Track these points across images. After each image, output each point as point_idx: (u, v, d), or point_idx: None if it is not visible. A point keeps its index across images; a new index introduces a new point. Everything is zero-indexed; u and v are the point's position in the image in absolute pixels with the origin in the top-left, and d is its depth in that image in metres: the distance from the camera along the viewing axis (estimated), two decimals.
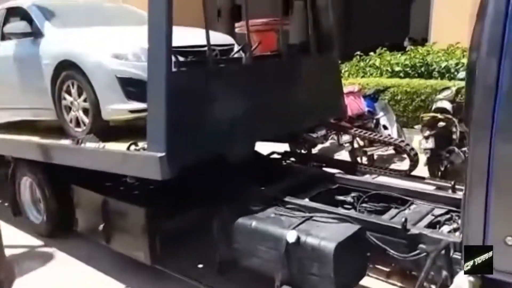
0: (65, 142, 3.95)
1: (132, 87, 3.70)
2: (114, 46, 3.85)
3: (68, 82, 4.04)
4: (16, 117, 5.18)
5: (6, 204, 5.36)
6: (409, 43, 9.35)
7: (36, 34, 4.43)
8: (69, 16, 4.86)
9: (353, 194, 3.63)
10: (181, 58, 3.49)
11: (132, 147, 3.31)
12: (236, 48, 4.29)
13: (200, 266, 3.74)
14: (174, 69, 3.10)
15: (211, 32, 3.55)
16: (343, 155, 6.13)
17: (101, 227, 3.74)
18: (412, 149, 4.46)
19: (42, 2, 5.31)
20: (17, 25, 4.55)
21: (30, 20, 4.54)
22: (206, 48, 3.42)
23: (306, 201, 3.36)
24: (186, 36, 4.05)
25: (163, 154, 2.87)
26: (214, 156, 3.28)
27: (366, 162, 5.76)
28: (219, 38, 4.32)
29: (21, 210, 4.96)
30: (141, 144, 3.28)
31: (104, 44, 3.88)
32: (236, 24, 4.71)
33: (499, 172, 2.12)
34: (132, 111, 3.73)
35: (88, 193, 3.96)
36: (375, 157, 6.19)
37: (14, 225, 4.99)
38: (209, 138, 3.21)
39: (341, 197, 3.63)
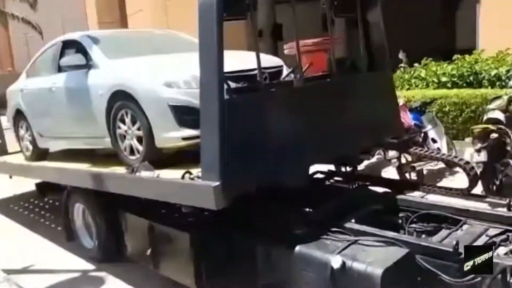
0: (120, 171, 4.07)
1: (184, 115, 3.78)
2: (166, 74, 3.96)
3: (122, 111, 4.19)
4: (72, 146, 5.43)
5: (59, 228, 5.58)
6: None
7: (90, 65, 4.65)
8: (120, 46, 5.08)
9: (401, 215, 3.56)
10: (232, 84, 3.48)
11: (187, 176, 3.36)
12: (285, 70, 4.30)
13: None
14: (226, 96, 3.11)
15: (264, 56, 3.55)
16: (391, 171, 6.04)
17: (148, 252, 3.83)
18: (468, 163, 4.26)
19: (95, 33, 5.61)
20: (72, 58, 4.77)
21: (84, 52, 4.76)
22: (256, 72, 3.41)
23: (351, 224, 3.30)
24: (235, 60, 4.06)
25: (218, 183, 2.88)
26: (268, 183, 3.27)
27: (415, 178, 5.66)
28: (268, 60, 4.34)
29: (74, 235, 5.16)
30: (195, 172, 3.34)
31: (156, 73, 4.01)
32: (285, 46, 4.68)
33: None
34: (185, 138, 3.80)
35: (135, 218, 4.05)
36: (425, 172, 6.07)
37: (68, 249, 5.22)
38: (264, 165, 3.19)
39: (388, 218, 3.56)
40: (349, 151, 4.32)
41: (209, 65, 2.94)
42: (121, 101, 4.18)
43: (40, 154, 5.98)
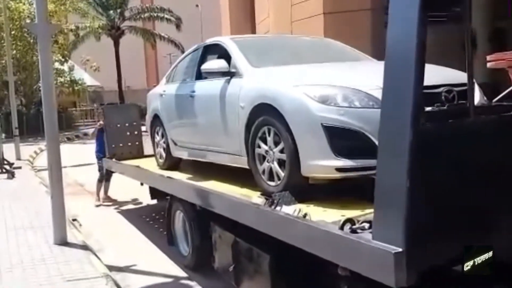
0: (257, 200, 3.39)
1: (342, 140, 3.00)
2: (320, 87, 3.21)
3: (264, 128, 3.55)
4: (204, 159, 4.93)
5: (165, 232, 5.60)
6: None
7: (233, 73, 4.12)
8: (268, 53, 4.52)
9: None
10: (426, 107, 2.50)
11: (347, 226, 2.41)
12: (477, 89, 3.27)
13: None
14: None
15: (445, 69, 2.59)
16: None
17: (231, 268, 3.68)
18: None
19: (241, 37, 5.08)
20: (213, 64, 4.26)
21: (227, 58, 4.25)
22: (441, 90, 2.56)
23: None
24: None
25: (400, 249, 1.95)
26: None
27: None
28: (453, 75, 3.29)
29: (174, 241, 5.15)
30: (355, 214, 2.47)
31: (308, 85, 3.27)
32: (488, 57, 3.58)
33: None
34: (340, 169, 3.01)
35: (222, 231, 3.93)
36: None
37: (167, 254, 5.33)
38: (470, 227, 2.21)
39: None
40: None
41: (401, 79, 2.04)
42: (265, 116, 3.53)
43: (173, 163, 5.66)
